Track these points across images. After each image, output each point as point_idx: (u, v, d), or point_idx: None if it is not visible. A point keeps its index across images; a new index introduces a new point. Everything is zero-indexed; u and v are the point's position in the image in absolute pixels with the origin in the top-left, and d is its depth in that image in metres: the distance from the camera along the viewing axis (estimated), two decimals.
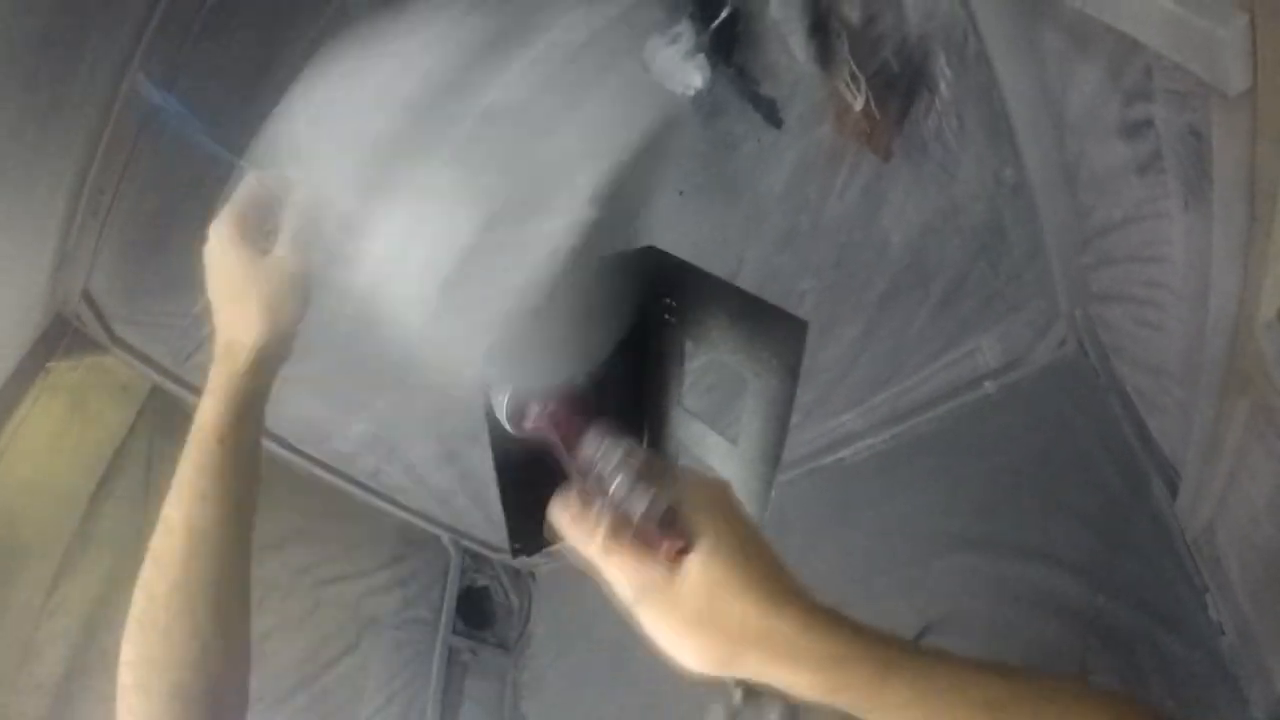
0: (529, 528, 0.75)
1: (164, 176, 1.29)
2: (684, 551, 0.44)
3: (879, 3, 1.21)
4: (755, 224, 1.62)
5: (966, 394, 1.91)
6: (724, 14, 1.23)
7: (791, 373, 0.73)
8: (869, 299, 1.75)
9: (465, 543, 2.45)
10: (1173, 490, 1.35)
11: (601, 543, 0.45)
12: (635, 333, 0.79)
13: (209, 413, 0.60)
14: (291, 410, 1.91)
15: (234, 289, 0.61)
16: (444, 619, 2.22)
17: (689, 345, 0.81)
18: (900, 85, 1.32)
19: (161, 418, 1.56)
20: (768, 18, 1.24)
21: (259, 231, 0.61)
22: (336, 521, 2.05)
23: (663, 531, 0.45)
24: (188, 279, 1.50)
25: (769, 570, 0.45)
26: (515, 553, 0.74)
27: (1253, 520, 1.05)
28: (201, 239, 0.62)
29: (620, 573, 0.45)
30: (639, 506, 0.45)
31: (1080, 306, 1.62)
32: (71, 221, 1.28)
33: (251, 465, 0.62)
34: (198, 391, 1.75)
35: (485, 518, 2.45)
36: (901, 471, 2.04)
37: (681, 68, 1.29)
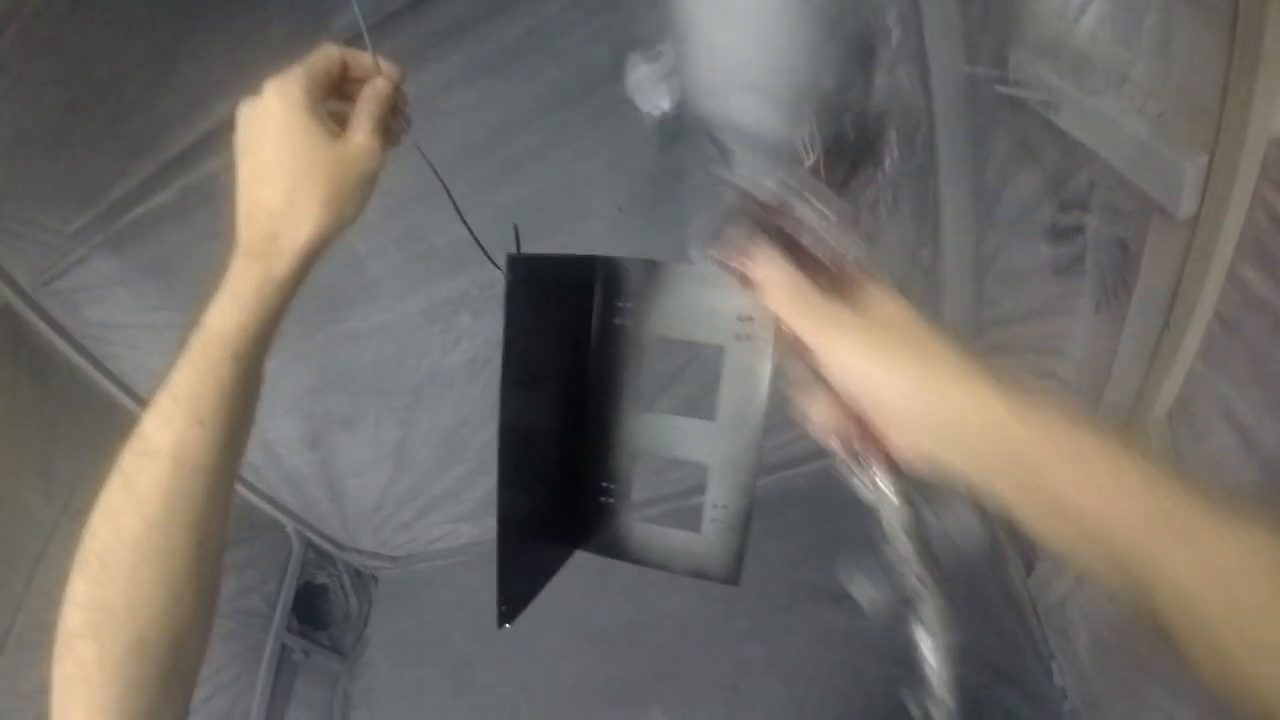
0: (519, 589, 0.71)
1: (80, 68, 1.14)
2: (863, 291, 0.45)
3: (851, 73, 1.28)
4: (686, 253, 1.65)
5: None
6: None
7: (764, 335, 0.74)
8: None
9: (311, 535, 2.29)
10: (1028, 566, 1.48)
11: (805, 288, 0.44)
12: (579, 355, 0.78)
13: (228, 321, 0.49)
14: (147, 360, 1.72)
15: (293, 168, 0.50)
16: (279, 613, 2.04)
17: (645, 342, 0.80)
18: (849, 153, 1.38)
19: (5, 342, 1.36)
20: None
21: (325, 102, 0.52)
22: None
23: (851, 276, 0.46)
24: (76, 192, 1.35)
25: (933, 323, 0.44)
26: (502, 616, 0.69)
27: (1110, 597, 1.16)
28: (249, 94, 0.51)
29: (814, 312, 0.44)
30: (835, 245, 0.46)
31: None
32: None
33: (258, 386, 0.52)
34: (52, 322, 1.55)
35: (338, 511, 2.30)
36: (769, 520, 2.09)
37: (655, 87, 1.30)
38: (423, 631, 2.29)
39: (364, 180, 0.52)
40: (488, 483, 2.14)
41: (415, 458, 2.14)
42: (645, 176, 1.51)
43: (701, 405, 0.74)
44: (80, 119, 1.16)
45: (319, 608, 2.26)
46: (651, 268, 0.76)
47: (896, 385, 0.40)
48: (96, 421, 1.59)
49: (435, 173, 0.72)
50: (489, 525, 2.27)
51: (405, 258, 1.68)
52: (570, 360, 0.77)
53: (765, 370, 0.70)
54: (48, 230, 1.35)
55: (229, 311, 0.49)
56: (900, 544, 0.45)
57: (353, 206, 0.52)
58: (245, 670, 1.89)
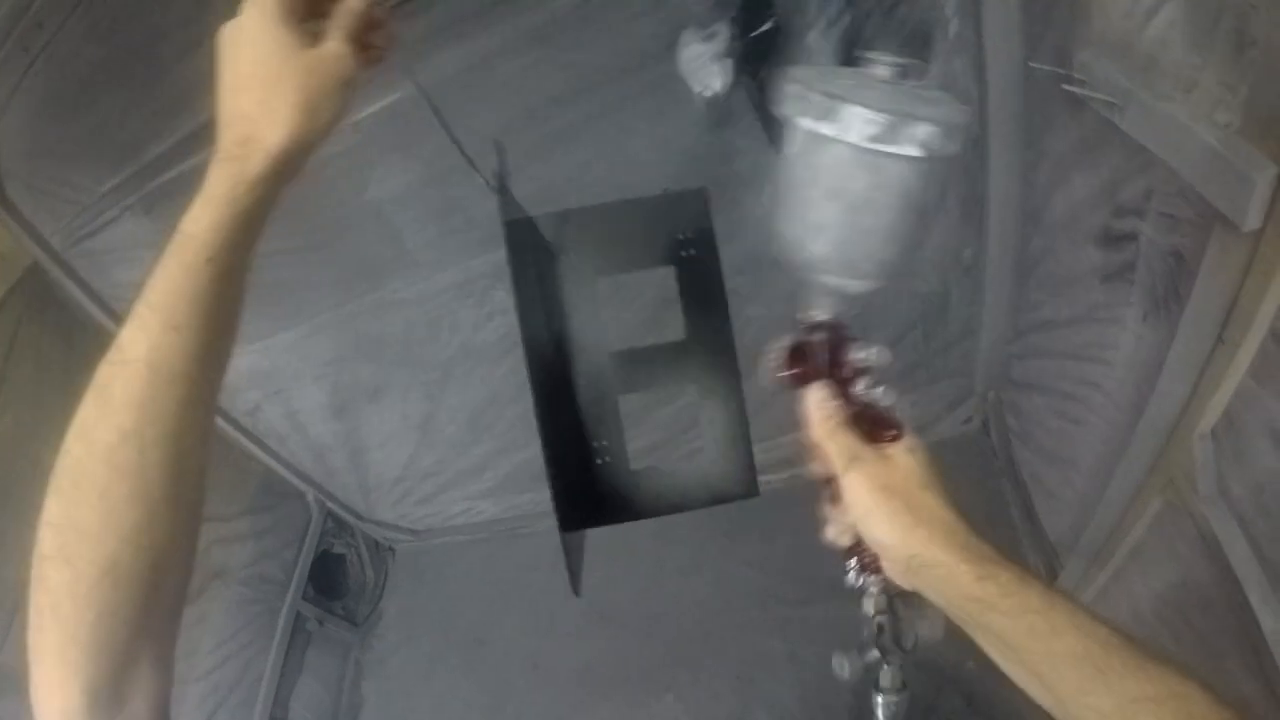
0: (577, 501, 0.71)
1: (116, 28, 1.13)
2: (892, 442, 0.55)
3: (909, 63, 1.26)
4: (724, 240, 1.64)
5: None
6: (766, 26, 1.24)
7: (709, 245, 0.76)
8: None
9: (331, 505, 2.31)
10: (1051, 574, 1.46)
11: (843, 423, 0.55)
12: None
13: (201, 223, 0.48)
14: None
15: (266, 75, 0.51)
16: (295, 581, 2.06)
17: (599, 285, 0.80)
18: None
19: (33, 301, 1.37)
20: (804, 44, 1.27)
21: (301, 20, 0.53)
22: None
23: (886, 425, 0.56)
24: (107, 153, 1.35)
25: (946, 486, 0.54)
26: (574, 587, 0.70)
27: (1134, 612, 1.15)
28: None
29: (843, 442, 0.54)
30: (879, 397, 0.57)
31: (994, 390, 1.73)
32: None
33: (237, 297, 0.51)
34: (82, 282, 1.55)
35: (359, 482, 2.32)
36: (791, 513, 2.09)
37: (706, 67, 1.29)
38: (437, 606, 2.31)
39: (337, 84, 0.52)
40: (511, 461, 2.14)
41: (441, 432, 2.15)
42: (692, 156, 1.49)
43: (670, 331, 0.78)
44: (114, 79, 1.16)
45: (335, 577, 2.29)
46: (590, 213, 0.78)
47: (888, 528, 0.51)
48: None
49: (426, 97, 0.73)
50: (510, 503, 2.29)
51: (441, 230, 1.68)
52: (547, 315, 0.78)
53: (719, 277, 0.75)
54: (79, 190, 1.35)
55: (203, 214, 0.49)
56: (872, 626, 0.57)
57: (327, 111, 0.52)
58: (259, 636, 1.91)
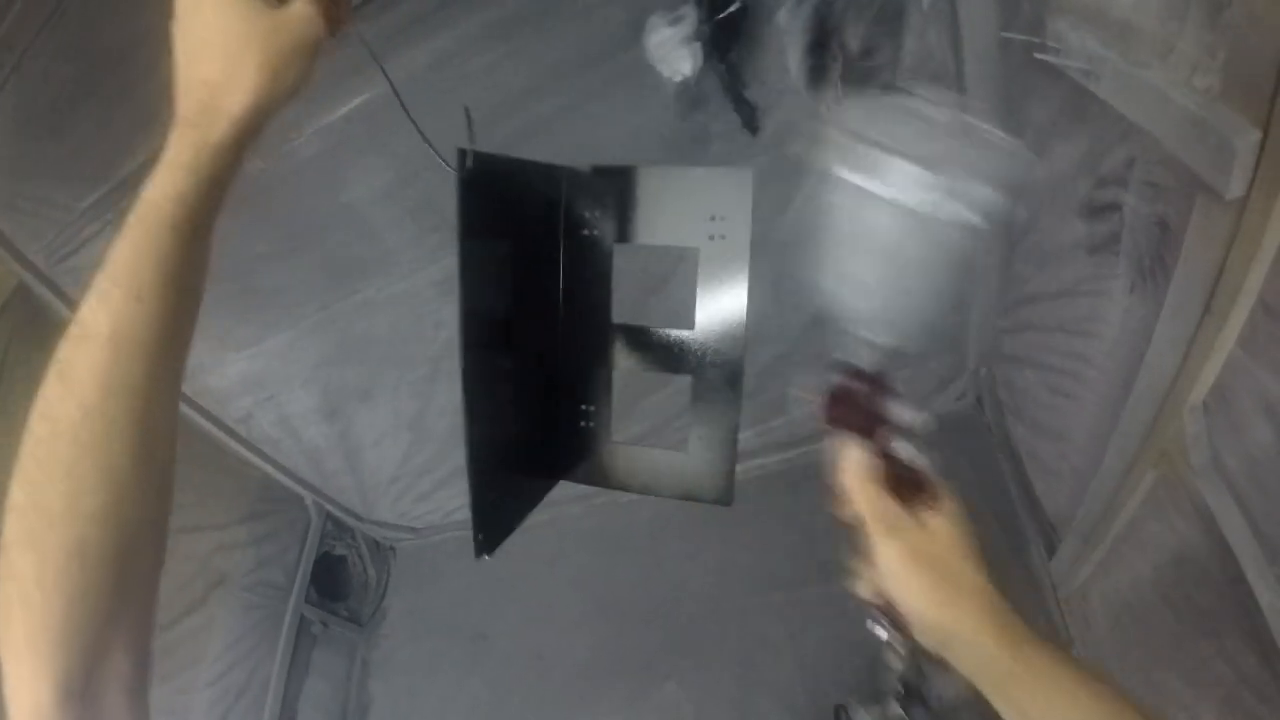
0: (498, 520, 0.67)
1: (87, 45, 1.12)
2: (931, 508, 0.53)
3: (880, 38, 1.23)
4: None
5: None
6: (733, 7, 1.21)
7: (741, 232, 0.69)
8: (795, 321, 1.78)
9: (330, 507, 2.31)
10: (1049, 549, 1.45)
11: (881, 483, 0.53)
12: (549, 271, 0.73)
13: (163, 189, 0.47)
14: None
15: (229, 37, 0.48)
16: (298, 585, 2.06)
17: (616, 252, 0.75)
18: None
19: (21, 322, 1.36)
20: (773, 23, 1.24)
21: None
22: (195, 466, 1.86)
23: (924, 489, 0.54)
24: (86, 170, 1.34)
25: (982, 558, 0.53)
26: (479, 546, 0.65)
27: (1134, 586, 1.14)
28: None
29: (880, 506, 0.52)
30: (920, 461, 0.55)
31: (986, 365, 1.71)
32: None
33: (201, 266, 0.49)
34: (68, 299, 1.55)
35: (356, 483, 2.32)
36: (786, 496, 2.09)
37: (675, 51, 1.26)
38: (440, 602, 2.31)
39: (301, 46, 0.50)
40: None
41: (433, 429, 2.14)
42: (667, 143, 1.47)
43: (680, 318, 0.72)
44: (87, 95, 1.15)
45: (338, 578, 2.29)
46: (617, 174, 0.72)
47: (924, 602, 0.50)
48: None
49: (383, 71, 0.70)
50: None
51: (420, 228, 1.66)
52: (540, 276, 0.73)
53: (743, 270, 0.68)
54: (59, 208, 1.33)
55: (164, 181, 0.47)
56: (893, 680, 0.56)
57: (291, 74, 0.50)
58: (264, 641, 1.91)
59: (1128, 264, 1.06)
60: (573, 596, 2.10)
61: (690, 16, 1.23)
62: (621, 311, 0.76)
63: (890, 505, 0.52)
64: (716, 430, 0.72)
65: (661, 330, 0.73)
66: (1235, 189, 0.77)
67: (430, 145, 0.68)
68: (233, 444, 2.00)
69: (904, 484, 0.54)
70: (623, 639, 1.96)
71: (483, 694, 2.07)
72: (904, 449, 0.55)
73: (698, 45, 1.25)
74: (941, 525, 0.52)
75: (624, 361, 0.76)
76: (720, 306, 0.71)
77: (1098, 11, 0.92)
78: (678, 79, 1.29)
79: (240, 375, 1.91)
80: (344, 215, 1.62)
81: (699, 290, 0.71)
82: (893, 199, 0.46)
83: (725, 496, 0.71)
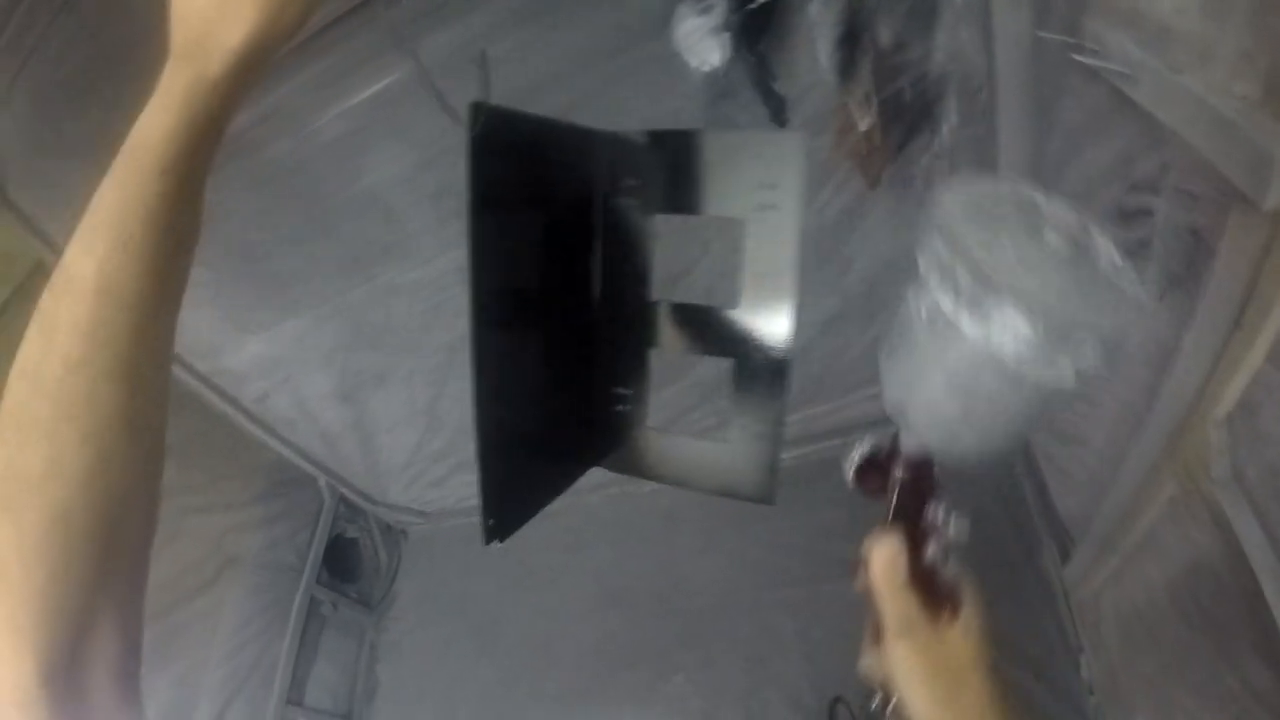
0: (511, 506, 0.63)
1: (107, 25, 1.11)
2: (952, 615, 0.52)
3: (913, 32, 1.22)
4: None
5: (877, 429, 1.97)
6: None
7: (793, 202, 0.62)
8: (815, 318, 1.77)
9: (343, 489, 2.32)
10: (1063, 554, 1.44)
11: (905, 579, 0.52)
12: (582, 242, 0.68)
13: (155, 130, 0.44)
14: (181, 315, 1.73)
15: None
16: (309, 567, 2.08)
17: (657, 223, 0.69)
18: (907, 117, 1.33)
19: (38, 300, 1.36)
20: (804, 15, 1.22)
21: None
22: (210, 446, 1.87)
23: (946, 592, 0.53)
24: (105, 148, 1.34)
25: (994, 669, 0.52)
26: (489, 533, 0.61)
27: (1148, 597, 1.13)
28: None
29: (902, 607, 0.52)
30: (953, 572, 0.54)
31: None
32: None
33: (195, 215, 0.46)
34: None
35: (369, 466, 2.33)
36: (801, 491, 2.08)
37: (704, 41, 1.25)
38: (451, 587, 2.33)
39: None
40: None
41: (448, 415, 2.14)
42: None
43: (724, 296, 0.66)
44: (102, 76, 1.14)
45: (349, 561, 2.31)
46: (659, 139, 0.67)
47: (929, 707, 0.50)
48: None
49: (426, 75, 0.66)
50: None
51: (441, 214, 1.65)
52: (570, 248, 0.68)
53: (793, 244, 0.62)
54: (79, 187, 1.34)
55: (156, 120, 0.44)
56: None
57: (291, 10, 0.47)
58: (274, 622, 1.93)
59: (1156, 272, 1.04)
60: (583, 586, 2.10)
61: (720, 6, 1.21)
62: (660, 288, 0.70)
63: (910, 605, 0.52)
64: (759, 420, 0.66)
65: (703, 308, 0.67)
66: (1273, 200, 0.75)
67: (436, 91, 0.62)
68: (248, 425, 2.01)
69: (928, 587, 0.53)
70: (633, 630, 1.96)
71: (490, 681, 2.08)
72: (940, 557, 0.53)
73: (726, 35, 1.24)
74: (957, 637, 0.52)
75: (662, 342, 0.70)
76: (769, 285, 0.64)
77: (1136, 12, 0.90)
78: (706, 69, 1.28)
79: (257, 357, 1.92)
80: (365, 200, 1.62)
81: (745, 266, 0.65)
82: (984, 343, 0.41)
83: (767, 494, 0.66)
